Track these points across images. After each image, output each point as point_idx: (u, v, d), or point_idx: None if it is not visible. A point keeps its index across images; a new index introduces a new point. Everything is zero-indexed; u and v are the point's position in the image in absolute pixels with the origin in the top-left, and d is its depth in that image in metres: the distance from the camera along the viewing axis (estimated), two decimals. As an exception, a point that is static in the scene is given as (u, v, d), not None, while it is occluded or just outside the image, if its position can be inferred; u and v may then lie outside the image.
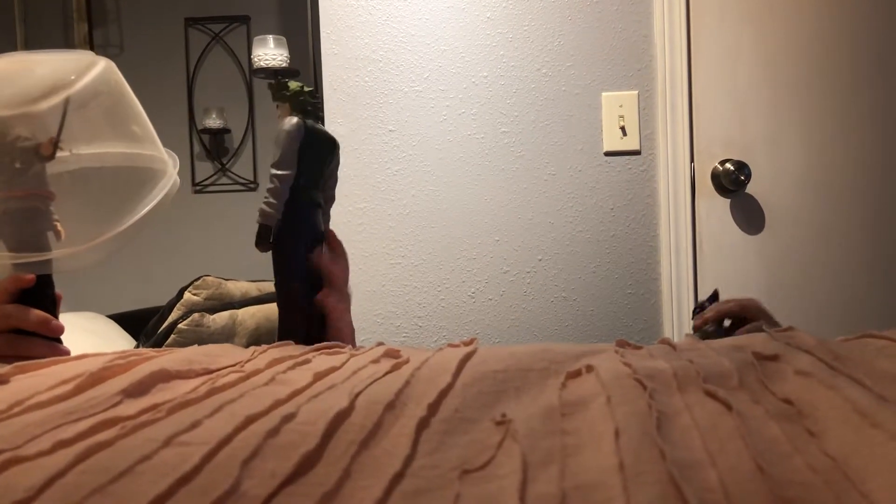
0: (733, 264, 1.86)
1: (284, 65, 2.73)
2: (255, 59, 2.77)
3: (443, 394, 0.42)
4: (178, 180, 0.81)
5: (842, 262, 1.88)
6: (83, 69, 0.71)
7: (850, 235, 1.88)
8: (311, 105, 0.88)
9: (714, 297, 1.07)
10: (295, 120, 0.85)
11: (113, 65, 0.76)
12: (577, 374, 0.49)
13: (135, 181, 0.78)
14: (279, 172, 0.84)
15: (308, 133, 0.86)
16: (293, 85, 0.87)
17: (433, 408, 0.40)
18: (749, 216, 1.87)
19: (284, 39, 2.81)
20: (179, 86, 3.33)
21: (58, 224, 0.70)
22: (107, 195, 0.78)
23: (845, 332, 0.65)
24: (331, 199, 0.95)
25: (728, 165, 1.84)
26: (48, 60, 0.73)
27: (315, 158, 0.87)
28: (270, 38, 2.77)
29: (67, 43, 3.27)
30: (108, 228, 0.71)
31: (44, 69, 0.71)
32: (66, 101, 0.67)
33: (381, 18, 1.87)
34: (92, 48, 3.29)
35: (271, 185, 0.85)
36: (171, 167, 0.80)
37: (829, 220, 1.88)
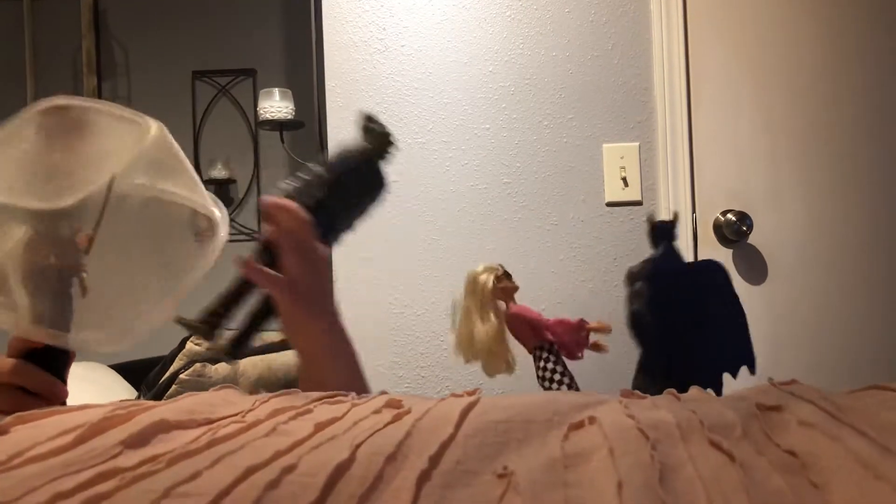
0: (737, 314, 1.85)
1: (290, 117, 2.77)
2: (261, 112, 2.81)
3: (444, 445, 0.42)
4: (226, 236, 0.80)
5: (846, 313, 1.87)
6: (134, 143, 0.70)
7: (854, 286, 1.88)
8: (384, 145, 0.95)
9: (674, 221, 1.04)
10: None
11: (164, 130, 0.75)
12: (580, 425, 0.49)
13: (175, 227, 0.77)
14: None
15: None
16: (378, 123, 0.94)
17: (434, 460, 0.39)
18: (752, 266, 1.87)
19: (290, 92, 2.86)
20: (186, 137, 3.37)
21: (84, 277, 0.68)
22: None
23: (851, 384, 0.64)
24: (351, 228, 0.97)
25: (730, 216, 1.85)
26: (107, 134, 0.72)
27: (355, 194, 0.93)
28: (276, 90, 2.82)
29: (77, 95, 3.32)
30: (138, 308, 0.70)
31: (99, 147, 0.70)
32: (110, 186, 0.66)
33: (385, 72, 1.90)
34: (101, 100, 3.34)
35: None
36: (220, 226, 0.78)
37: (832, 271, 1.88)
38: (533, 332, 1.03)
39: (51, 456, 0.40)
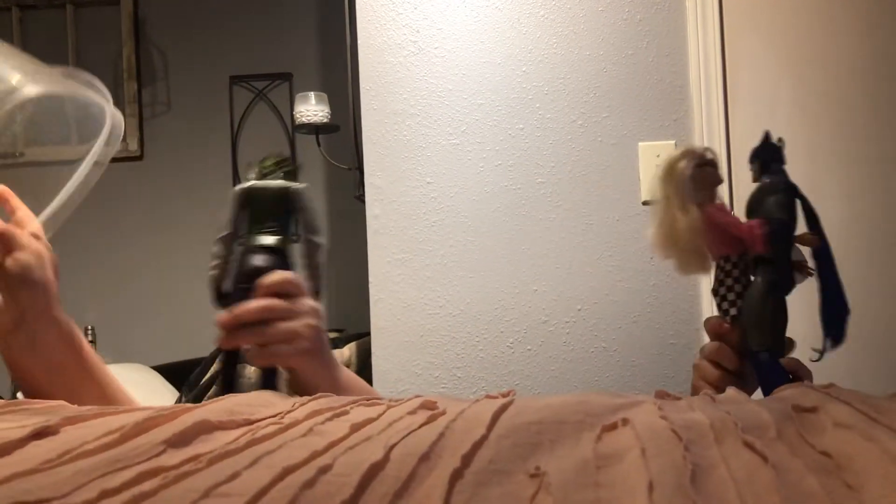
0: (776, 313, 1.83)
1: (325, 120, 2.80)
2: (298, 115, 2.85)
3: (476, 445, 0.42)
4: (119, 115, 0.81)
5: (889, 312, 1.84)
6: None
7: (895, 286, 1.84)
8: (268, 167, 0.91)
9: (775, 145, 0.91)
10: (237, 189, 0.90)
11: None
12: (612, 426, 0.49)
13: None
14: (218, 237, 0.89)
15: (249, 196, 0.89)
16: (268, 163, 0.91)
17: (467, 459, 0.40)
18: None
19: (325, 96, 2.89)
20: (224, 141, 3.42)
21: None
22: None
23: (893, 387, 0.63)
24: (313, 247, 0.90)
25: (768, 213, 1.82)
26: None
27: (263, 217, 0.88)
28: (312, 94, 2.85)
29: (117, 100, 3.40)
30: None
31: None
32: None
33: (418, 74, 1.91)
34: (140, 106, 3.42)
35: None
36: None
37: (873, 269, 1.85)
38: (724, 240, 0.86)
39: (98, 452, 0.42)
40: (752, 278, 0.82)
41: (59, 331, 0.78)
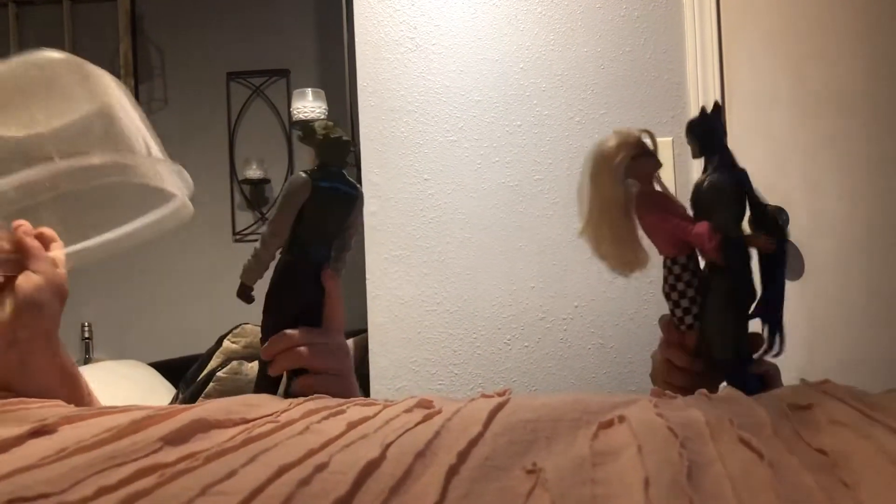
0: (773, 310, 1.83)
1: (322, 116, 2.80)
2: (295, 112, 2.85)
3: (473, 443, 0.42)
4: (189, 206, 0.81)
5: (887, 310, 1.84)
6: None
7: (894, 283, 1.84)
8: (336, 154, 0.78)
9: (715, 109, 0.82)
10: (302, 176, 0.76)
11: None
12: (609, 424, 0.49)
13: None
14: (266, 236, 0.78)
15: (315, 191, 0.76)
16: (320, 129, 0.77)
17: (463, 456, 0.40)
18: (789, 262, 1.84)
19: (322, 92, 2.88)
20: (221, 138, 3.42)
21: None
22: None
23: (890, 384, 0.64)
24: (347, 248, 0.85)
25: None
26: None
27: (322, 219, 0.78)
28: (309, 90, 2.85)
29: (115, 98, 3.40)
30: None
31: None
32: None
33: (416, 71, 1.91)
34: (137, 103, 3.41)
35: (257, 245, 0.79)
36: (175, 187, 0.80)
37: (871, 267, 1.85)
38: (671, 241, 0.78)
39: (95, 449, 0.42)
40: (708, 283, 0.77)
41: (53, 360, 0.76)
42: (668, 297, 0.81)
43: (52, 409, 0.56)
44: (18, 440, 0.44)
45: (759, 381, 0.75)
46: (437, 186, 1.89)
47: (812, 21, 1.87)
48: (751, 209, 0.80)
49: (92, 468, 0.38)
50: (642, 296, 1.82)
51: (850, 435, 0.43)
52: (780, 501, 0.35)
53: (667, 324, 0.82)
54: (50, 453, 0.40)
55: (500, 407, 0.51)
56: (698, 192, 0.79)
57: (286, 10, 3.39)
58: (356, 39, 1.92)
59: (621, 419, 0.49)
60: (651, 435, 0.45)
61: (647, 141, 0.78)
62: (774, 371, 0.79)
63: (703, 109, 0.81)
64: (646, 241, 0.83)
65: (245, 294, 0.80)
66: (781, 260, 0.81)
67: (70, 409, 0.56)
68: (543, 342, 1.85)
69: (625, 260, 0.83)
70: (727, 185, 0.79)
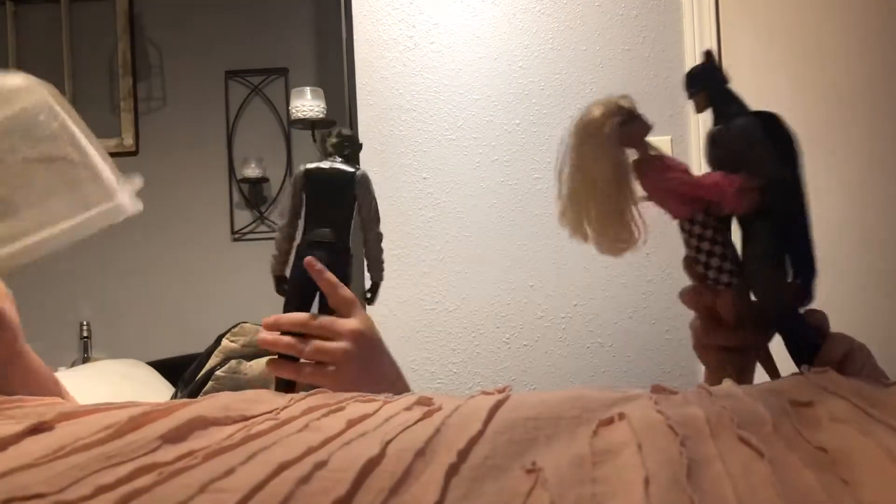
0: (772, 309, 1.83)
1: (321, 115, 2.79)
2: (293, 110, 2.84)
3: (472, 441, 0.42)
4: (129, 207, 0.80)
5: (883, 308, 1.84)
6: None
7: (890, 281, 1.84)
8: (337, 147, 0.85)
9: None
10: (300, 167, 0.84)
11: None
12: (609, 421, 0.49)
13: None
14: (278, 226, 0.84)
15: (309, 175, 0.83)
16: (333, 135, 0.86)
17: (463, 455, 0.40)
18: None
19: (321, 91, 2.88)
20: (219, 136, 3.41)
21: None
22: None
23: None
24: (376, 238, 0.89)
25: (764, 209, 1.82)
26: None
27: (321, 201, 0.83)
28: (308, 89, 2.84)
29: (112, 96, 3.40)
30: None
31: None
32: None
33: (414, 69, 1.91)
34: (136, 101, 3.41)
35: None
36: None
37: (868, 265, 1.85)
38: (682, 200, 0.71)
39: (93, 448, 0.41)
40: (745, 234, 0.71)
41: (27, 370, 0.74)
42: (695, 261, 0.73)
43: (50, 406, 0.56)
44: (16, 438, 0.44)
45: (815, 331, 0.71)
46: (435, 185, 1.89)
47: (811, 20, 1.87)
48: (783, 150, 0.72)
49: (90, 467, 0.38)
50: (641, 294, 1.82)
51: (851, 433, 0.43)
52: (780, 499, 0.35)
53: (693, 297, 0.74)
54: (47, 452, 0.40)
55: (499, 404, 0.50)
56: (723, 141, 0.71)
57: (285, 9, 3.38)
58: (355, 38, 1.92)
59: (621, 417, 0.49)
60: (651, 433, 0.44)
61: (627, 104, 0.72)
62: (825, 319, 0.73)
63: (708, 53, 0.74)
64: (645, 227, 0.76)
65: (278, 285, 0.83)
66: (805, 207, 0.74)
67: (68, 406, 0.56)
68: (543, 341, 1.85)
69: (618, 238, 0.75)
70: (757, 126, 0.71)
